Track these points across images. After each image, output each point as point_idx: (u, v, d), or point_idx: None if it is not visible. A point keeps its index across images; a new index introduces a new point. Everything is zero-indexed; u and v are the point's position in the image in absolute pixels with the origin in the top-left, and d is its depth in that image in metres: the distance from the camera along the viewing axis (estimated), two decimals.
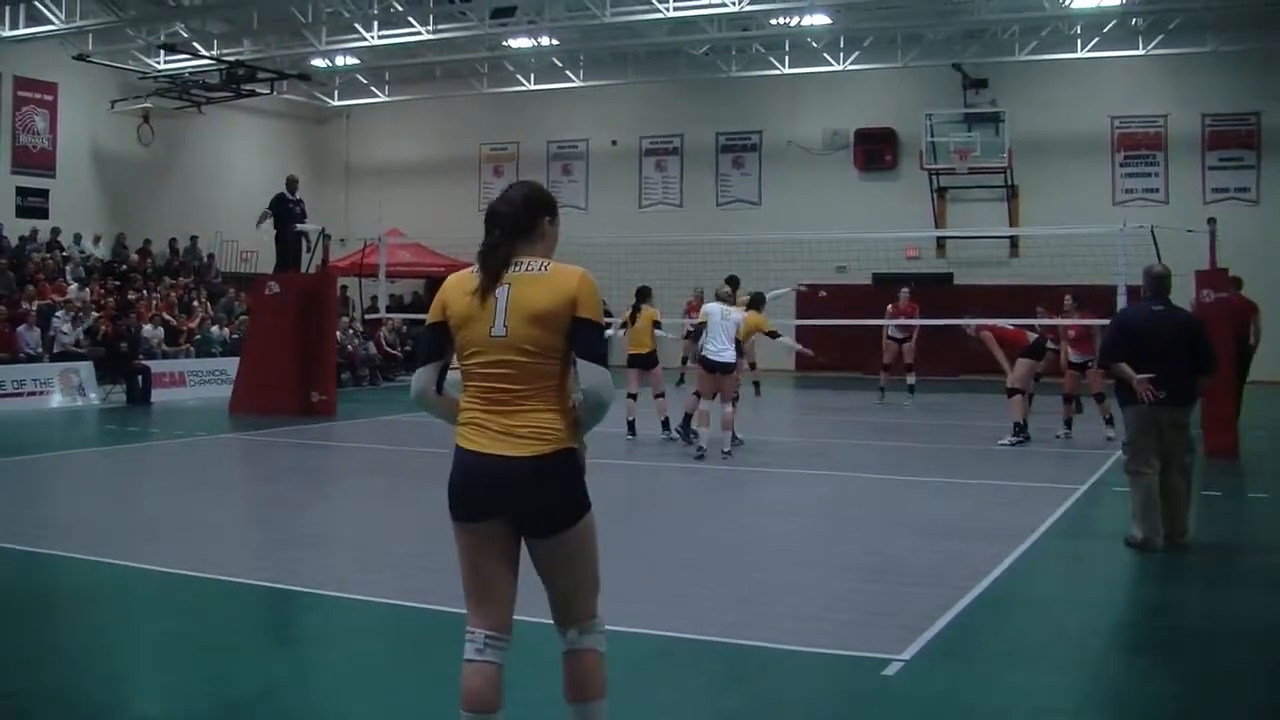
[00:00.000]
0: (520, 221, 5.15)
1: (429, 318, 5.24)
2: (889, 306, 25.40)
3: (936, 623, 8.21)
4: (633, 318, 18.95)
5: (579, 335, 5.01)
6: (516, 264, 5.08)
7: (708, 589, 9.39)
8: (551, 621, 5.30)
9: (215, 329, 29.95)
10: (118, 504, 13.49)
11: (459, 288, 5.12)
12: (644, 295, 19.08)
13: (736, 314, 17.12)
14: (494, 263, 5.07)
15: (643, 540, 11.54)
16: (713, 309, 17.00)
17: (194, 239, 35.83)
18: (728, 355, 16.68)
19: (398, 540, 11.46)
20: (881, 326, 25.60)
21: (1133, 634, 8.74)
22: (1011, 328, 19.76)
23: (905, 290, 25.69)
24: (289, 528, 12.02)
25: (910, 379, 25.61)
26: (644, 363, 18.83)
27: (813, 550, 11.08)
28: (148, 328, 27.65)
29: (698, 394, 17.25)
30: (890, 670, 7.21)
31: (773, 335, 19.52)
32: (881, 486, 14.86)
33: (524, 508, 5.02)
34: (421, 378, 5.26)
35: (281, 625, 8.81)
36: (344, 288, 31.16)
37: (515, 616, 5.24)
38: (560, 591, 5.21)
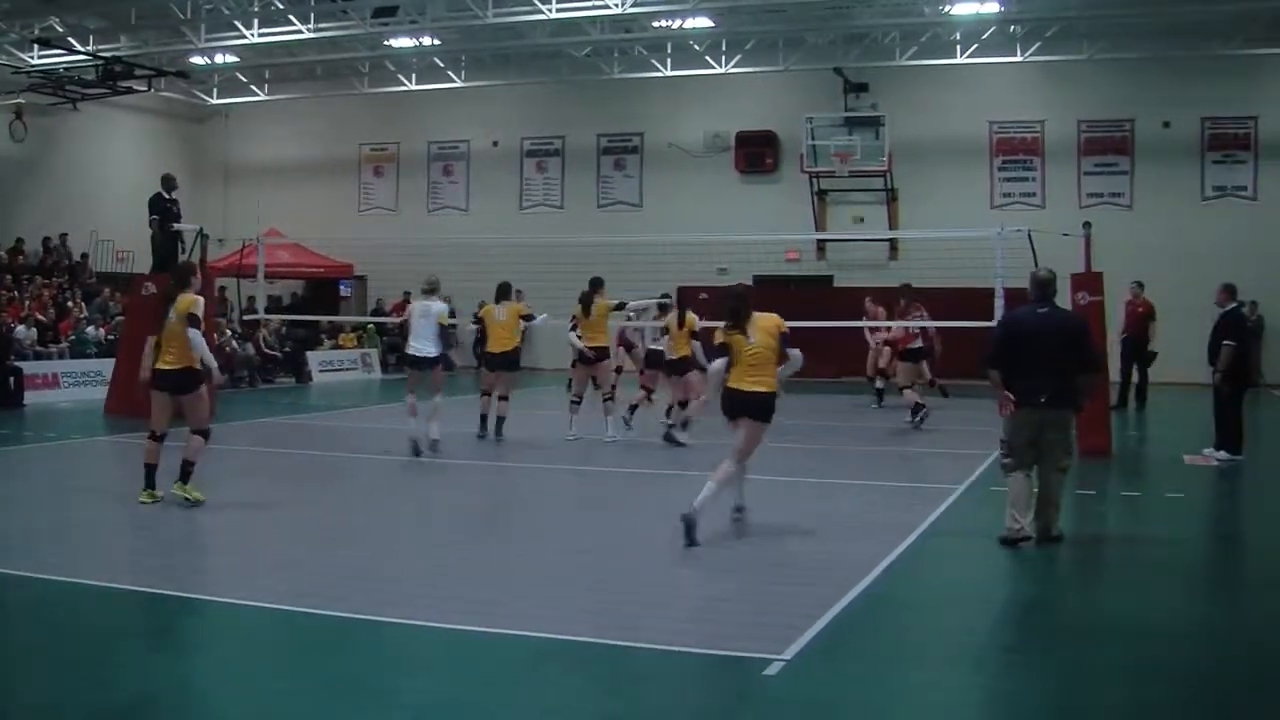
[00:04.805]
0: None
1: (721, 339, 11.69)
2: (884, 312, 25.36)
3: (817, 622, 8.27)
4: (680, 321, 18.33)
5: (782, 342, 11.54)
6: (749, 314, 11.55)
7: (591, 590, 9.41)
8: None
9: (90, 329, 29.42)
10: None
11: (726, 331, 11.59)
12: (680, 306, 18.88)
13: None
14: (740, 317, 11.50)
15: (529, 541, 11.59)
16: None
17: (64, 236, 35.18)
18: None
19: (277, 543, 11.37)
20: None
21: (1009, 631, 8.88)
22: (902, 333, 20.44)
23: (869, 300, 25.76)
24: (164, 531, 11.71)
25: (880, 384, 25.37)
26: (677, 368, 18.45)
27: (696, 551, 11.07)
28: (20, 328, 27.10)
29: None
30: (771, 670, 7.25)
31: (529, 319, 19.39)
32: (766, 487, 14.93)
33: (752, 412, 11.36)
34: (721, 365, 11.65)
35: (158, 631, 8.59)
36: (222, 289, 30.78)
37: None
38: (742, 449, 11.49)
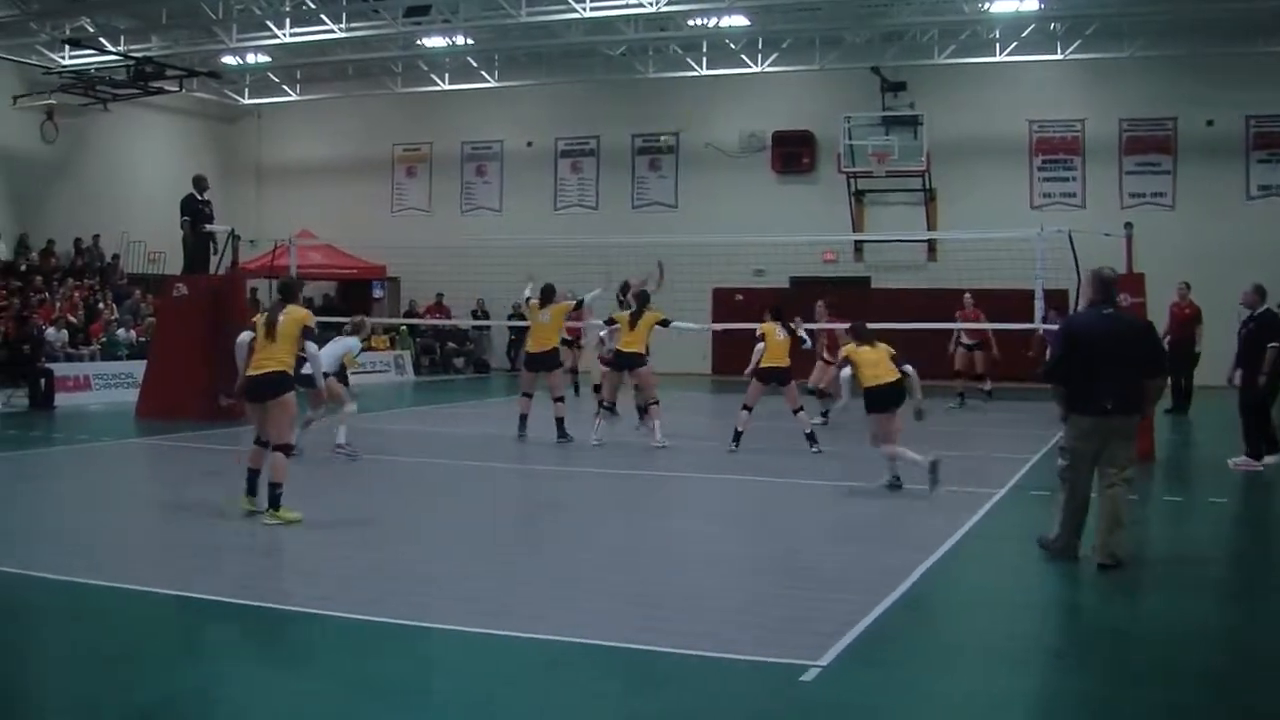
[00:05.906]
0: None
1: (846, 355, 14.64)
2: (956, 313, 25.23)
3: (855, 628, 8.14)
4: (791, 333, 18.18)
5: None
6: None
7: (623, 594, 9.28)
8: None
9: (121, 331, 29.35)
10: (18, 511, 12.99)
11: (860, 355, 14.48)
12: (778, 313, 18.43)
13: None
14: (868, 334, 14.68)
15: (556, 544, 11.51)
16: None
17: (95, 237, 35.12)
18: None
19: (303, 546, 11.29)
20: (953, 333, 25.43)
21: (1048, 637, 8.76)
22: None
23: (968, 296, 25.53)
24: (195, 534, 11.67)
25: (987, 385, 25.42)
26: (781, 377, 18.02)
27: (731, 555, 11.02)
28: (51, 330, 27.04)
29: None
30: (808, 676, 7.16)
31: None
32: (805, 492, 14.82)
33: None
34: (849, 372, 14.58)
35: (190, 633, 8.57)
36: (253, 290, 30.70)
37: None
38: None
